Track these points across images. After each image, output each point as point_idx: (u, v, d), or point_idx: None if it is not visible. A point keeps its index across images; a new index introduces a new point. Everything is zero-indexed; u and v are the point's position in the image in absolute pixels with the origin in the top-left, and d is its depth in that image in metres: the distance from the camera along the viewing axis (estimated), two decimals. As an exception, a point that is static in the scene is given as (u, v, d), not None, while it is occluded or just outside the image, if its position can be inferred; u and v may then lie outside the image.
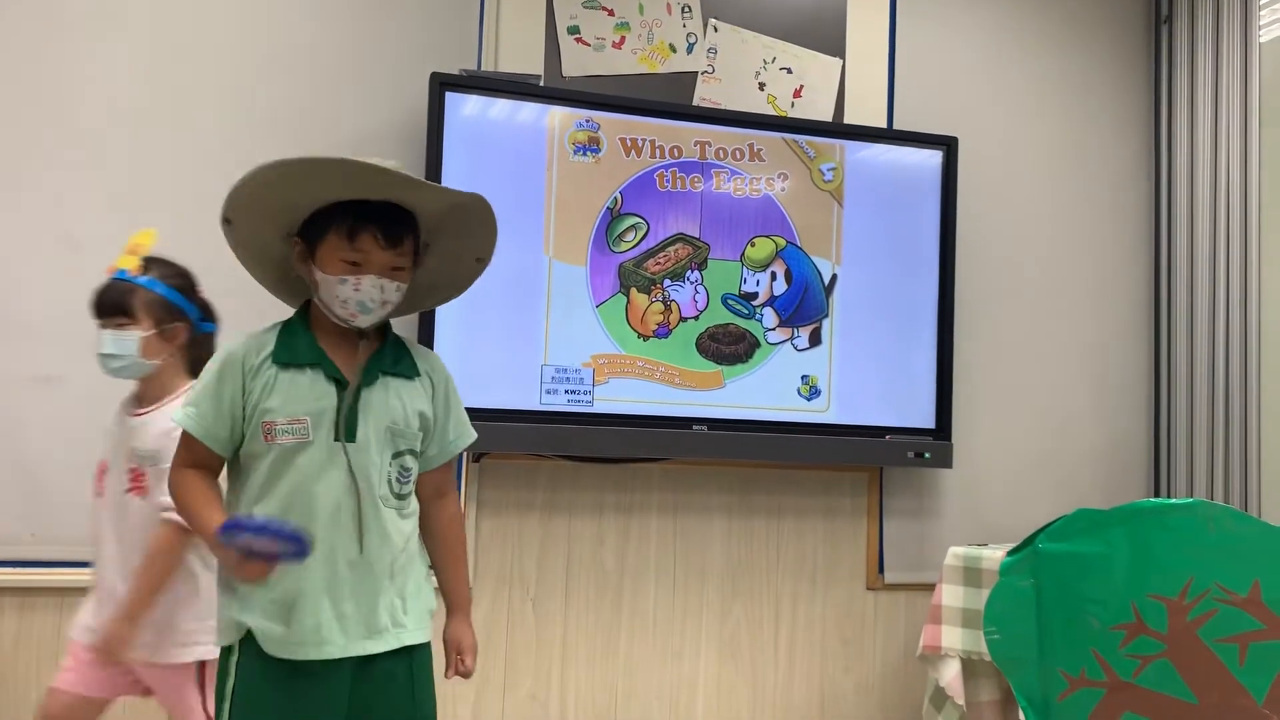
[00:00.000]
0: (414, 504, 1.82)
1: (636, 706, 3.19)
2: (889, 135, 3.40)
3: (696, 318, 3.19)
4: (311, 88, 3.04)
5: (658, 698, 3.22)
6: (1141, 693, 2.07)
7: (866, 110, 3.48)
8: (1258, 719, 1.95)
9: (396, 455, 1.77)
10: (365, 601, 1.71)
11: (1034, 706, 2.21)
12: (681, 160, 3.18)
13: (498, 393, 3.00)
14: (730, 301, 3.22)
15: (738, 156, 3.23)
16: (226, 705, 1.68)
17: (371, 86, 3.08)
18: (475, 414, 2.93)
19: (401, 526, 1.77)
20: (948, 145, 3.41)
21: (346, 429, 1.70)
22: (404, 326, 3.05)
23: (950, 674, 2.84)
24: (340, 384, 1.72)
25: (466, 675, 1.87)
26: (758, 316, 3.24)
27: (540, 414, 3.01)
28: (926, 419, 3.36)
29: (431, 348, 2.93)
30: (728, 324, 3.22)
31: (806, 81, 3.44)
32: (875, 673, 3.41)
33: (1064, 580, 2.16)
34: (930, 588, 3.15)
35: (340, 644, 1.69)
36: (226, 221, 1.74)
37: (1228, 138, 3.50)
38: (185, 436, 1.71)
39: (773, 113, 3.38)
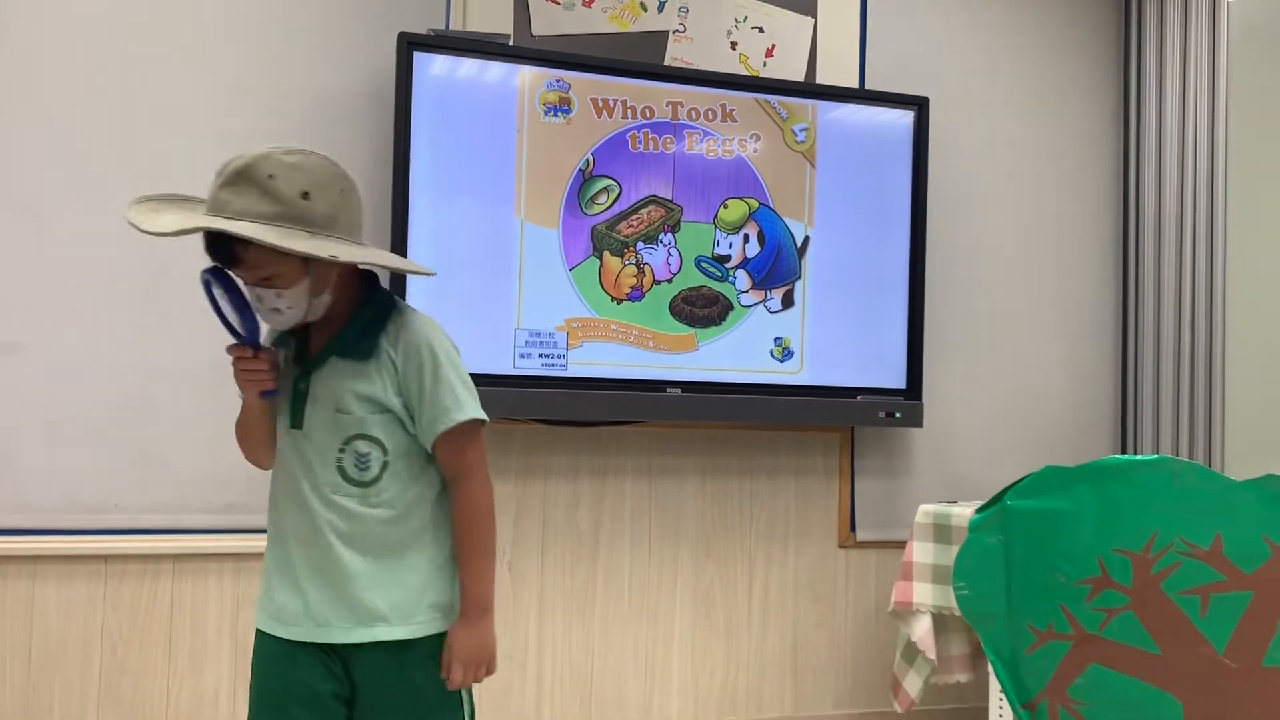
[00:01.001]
0: (390, 491, 1.70)
1: (612, 665, 3.23)
2: (861, 95, 3.39)
3: (670, 280, 3.19)
4: (277, 48, 2.99)
5: (633, 656, 3.25)
6: (1107, 645, 2.12)
7: (838, 70, 3.47)
8: (1217, 667, 2.01)
9: (349, 441, 1.69)
10: (331, 590, 1.68)
11: (1002, 660, 2.26)
12: (654, 121, 3.17)
13: (471, 357, 2.94)
14: (703, 264, 3.22)
15: (710, 117, 3.22)
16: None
17: (338, 46, 3.04)
18: (448, 378, 2.93)
19: (365, 515, 1.68)
20: (919, 106, 3.41)
21: (293, 415, 1.71)
22: (375, 291, 3.04)
23: (921, 629, 2.89)
24: (302, 368, 1.72)
25: (451, 687, 1.69)
26: (731, 279, 3.25)
27: (514, 378, 3.01)
28: (897, 379, 3.38)
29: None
30: (701, 287, 3.22)
31: (778, 41, 3.42)
32: (847, 629, 3.47)
33: (1032, 536, 2.20)
34: (901, 545, 3.20)
35: (304, 628, 1.68)
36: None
37: (1195, 100, 3.52)
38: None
39: (745, 72, 3.36)
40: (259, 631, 1.73)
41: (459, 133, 3.00)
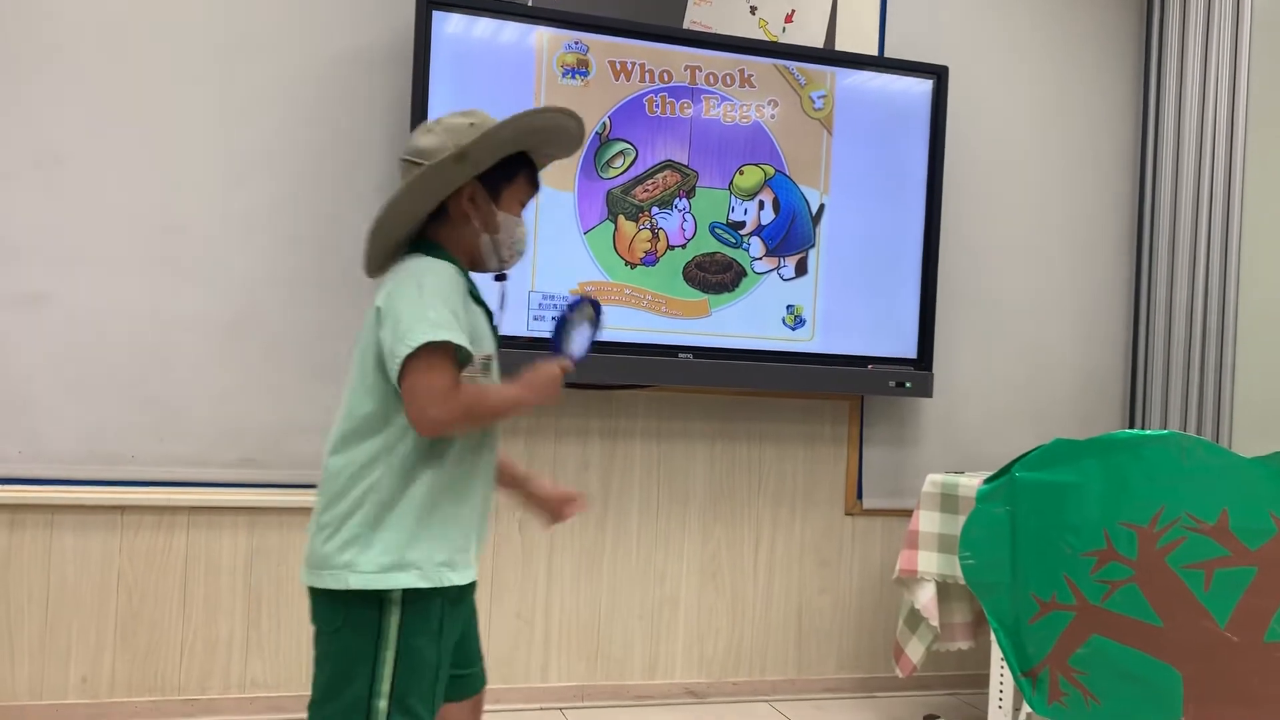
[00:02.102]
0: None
1: (619, 625, 3.27)
2: (880, 63, 3.37)
3: (684, 246, 3.19)
4: (297, 5, 2.98)
5: (640, 617, 3.29)
6: (1109, 616, 2.15)
7: (858, 37, 3.45)
8: (1219, 641, 2.03)
9: None
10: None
11: (1005, 628, 2.28)
12: (671, 85, 3.16)
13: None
14: (718, 230, 3.22)
15: (728, 82, 3.21)
16: None
17: (357, 5, 3.03)
18: (462, 338, 2.95)
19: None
20: (938, 75, 3.39)
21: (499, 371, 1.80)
22: (390, 250, 3.04)
23: (925, 597, 2.92)
24: (491, 324, 1.78)
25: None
26: (745, 246, 3.25)
27: (527, 340, 3.02)
28: (909, 349, 3.39)
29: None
30: (715, 253, 3.22)
31: (798, 6, 3.39)
32: (851, 594, 3.50)
33: (1039, 508, 2.21)
34: (907, 514, 3.22)
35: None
36: (459, 159, 1.65)
37: (1216, 76, 3.49)
38: (442, 353, 1.58)
39: (764, 38, 3.34)
40: (457, 587, 1.69)
41: (476, 92, 2.99)
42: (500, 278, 1.82)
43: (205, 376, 2.93)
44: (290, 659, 2.99)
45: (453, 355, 1.61)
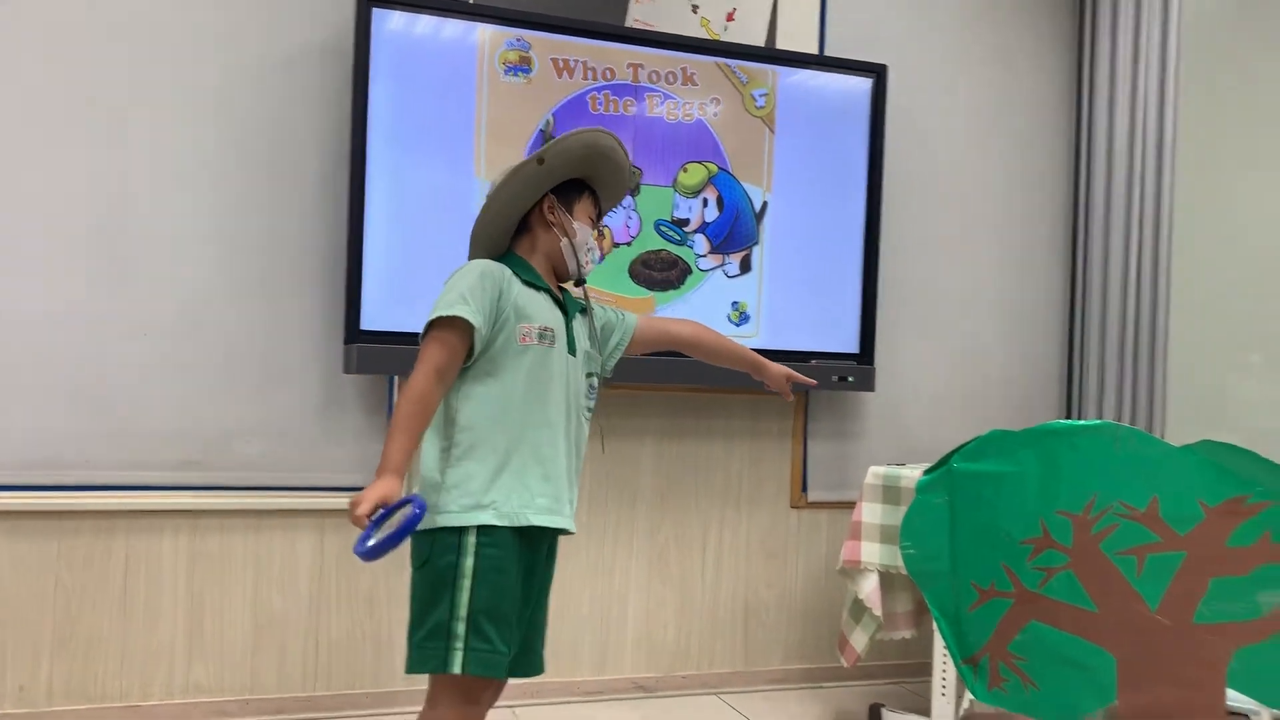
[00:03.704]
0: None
1: (569, 621, 3.27)
2: (820, 62, 3.41)
3: (629, 244, 3.20)
4: (236, 5, 2.94)
5: (588, 613, 3.30)
6: (1046, 602, 2.20)
7: (799, 36, 3.48)
8: (1151, 624, 2.09)
9: None
10: None
11: (946, 616, 2.33)
12: (614, 83, 3.16)
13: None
14: (662, 227, 3.24)
15: (670, 80, 3.23)
16: None
17: (297, 3, 2.99)
18: (407, 339, 2.94)
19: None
20: (878, 74, 3.44)
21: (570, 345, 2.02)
22: (334, 251, 3.03)
23: (868, 587, 2.96)
24: (564, 311, 2.03)
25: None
26: (689, 243, 3.27)
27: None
28: (851, 344, 3.44)
29: (359, 272, 2.92)
30: (660, 250, 3.24)
31: (739, 4, 3.42)
32: (797, 586, 3.54)
33: (977, 497, 2.26)
34: (851, 506, 3.27)
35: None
36: (540, 161, 1.96)
37: (1147, 73, 3.58)
38: (449, 331, 1.85)
39: (706, 36, 3.36)
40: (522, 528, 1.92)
41: (418, 90, 2.98)
42: (579, 283, 2.08)
43: (146, 379, 2.88)
44: (234, 662, 2.96)
45: (456, 331, 1.86)
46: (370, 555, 1.70)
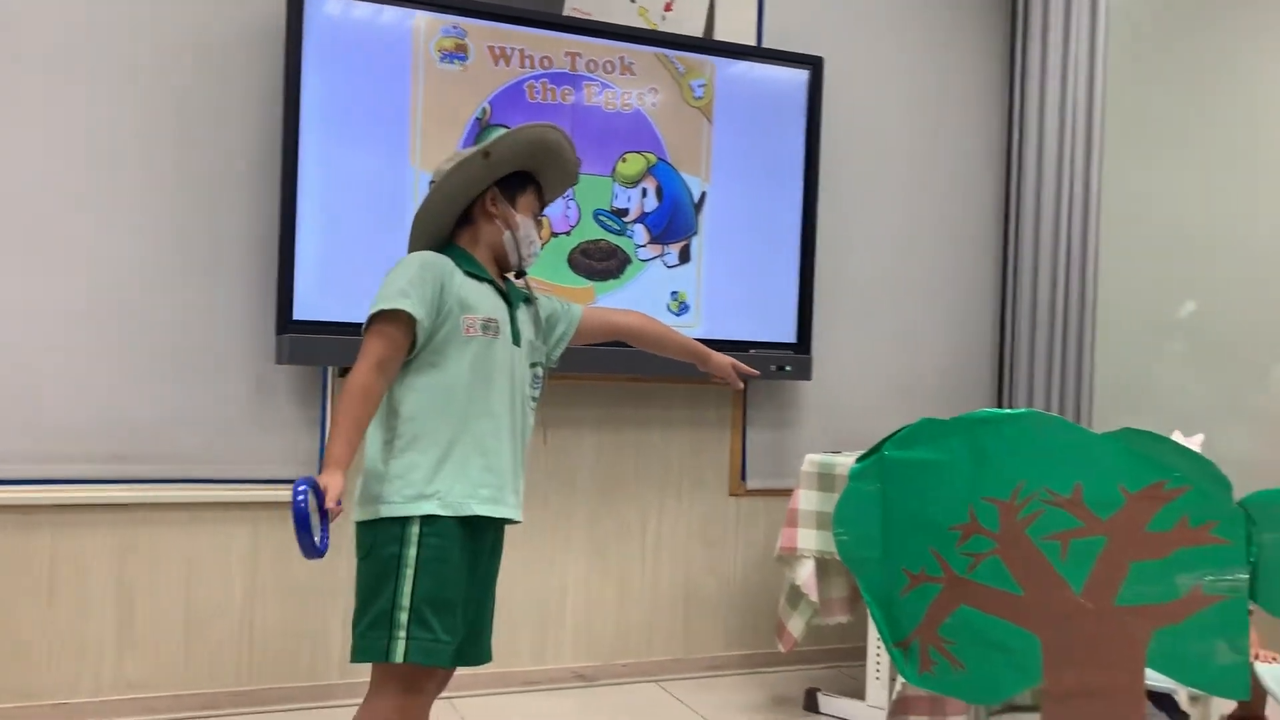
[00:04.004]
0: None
1: (508, 613, 3.26)
2: (757, 53, 3.43)
3: (568, 233, 3.20)
4: (160, -18, 2.88)
5: (526, 606, 3.30)
6: (975, 587, 2.24)
7: (736, 27, 3.50)
8: (1075, 607, 2.14)
9: None
10: None
11: (878, 602, 2.36)
12: (552, 71, 3.15)
13: (363, 306, 2.95)
14: (601, 217, 3.24)
15: (608, 70, 3.22)
16: None
17: (226, -17, 2.94)
18: (340, 329, 2.91)
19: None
20: (814, 65, 3.46)
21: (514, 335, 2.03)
22: (265, 239, 2.98)
23: (805, 573, 3.00)
24: (507, 301, 2.03)
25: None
26: (629, 233, 3.27)
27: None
28: (788, 334, 3.47)
29: (291, 260, 2.88)
30: (599, 240, 3.24)
31: (678, -5, 3.43)
32: (736, 574, 3.58)
33: (908, 485, 2.30)
34: (789, 493, 3.30)
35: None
36: (485, 155, 1.96)
37: (1075, 67, 3.66)
38: (390, 324, 1.86)
39: (644, 26, 3.36)
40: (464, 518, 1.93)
41: (352, 77, 2.94)
42: (520, 275, 2.09)
43: (72, 370, 2.81)
44: (166, 657, 2.91)
45: (398, 324, 1.86)
46: (324, 550, 1.72)
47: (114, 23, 2.83)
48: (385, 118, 2.98)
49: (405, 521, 1.87)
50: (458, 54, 3.05)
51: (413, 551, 1.86)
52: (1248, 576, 2.00)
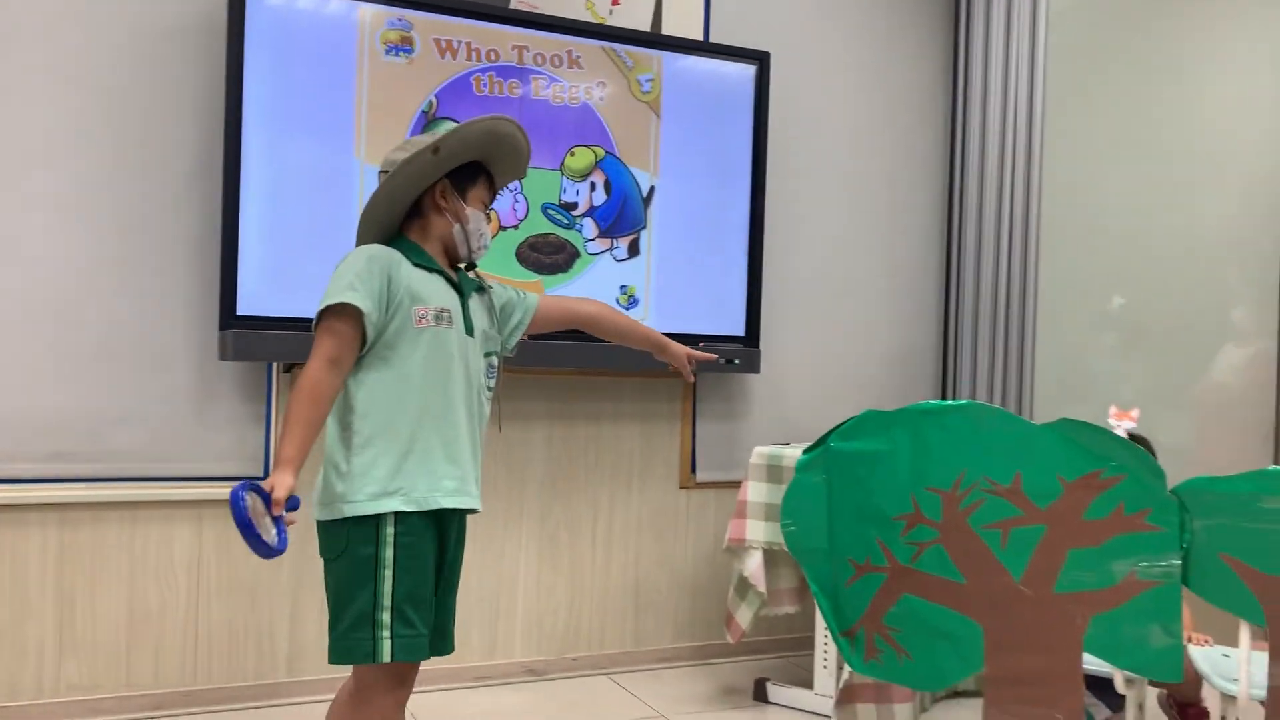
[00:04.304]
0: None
1: (459, 608, 3.25)
2: (705, 48, 3.44)
3: (516, 227, 3.19)
4: (96, -29, 2.82)
5: (478, 600, 3.29)
6: (918, 575, 2.28)
7: (684, 21, 3.51)
8: (1015, 595, 2.19)
9: None
10: None
11: (824, 591, 2.40)
12: (499, 64, 3.14)
13: (309, 301, 2.92)
14: (550, 211, 3.23)
15: (556, 63, 3.22)
16: None
17: (165, -27, 2.89)
18: (284, 324, 2.89)
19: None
20: (761, 61, 3.49)
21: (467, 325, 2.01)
22: (208, 233, 2.94)
23: (753, 564, 3.03)
24: (459, 291, 2.01)
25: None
26: (578, 227, 3.27)
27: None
28: (737, 327, 3.49)
29: (234, 255, 2.84)
30: (548, 234, 3.23)
31: (625, -11, 3.43)
32: (686, 566, 3.60)
33: (853, 475, 2.33)
34: (738, 485, 3.33)
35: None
36: (434, 150, 1.93)
37: (1017, 65, 3.72)
38: (340, 320, 1.84)
39: (591, 19, 3.36)
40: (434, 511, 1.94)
41: (295, 69, 2.90)
42: (470, 267, 2.07)
43: (9, 367, 2.75)
44: (108, 658, 2.86)
45: (347, 319, 1.85)
46: (282, 549, 1.72)
47: (49, 15, 2.77)
48: (330, 111, 2.95)
49: (377, 520, 1.86)
50: (403, 46, 3.02)
51: (389, 552, 1.86)
52: (1180, 562, 2.06)
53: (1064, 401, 3.70)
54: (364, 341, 1.89)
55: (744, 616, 3.08)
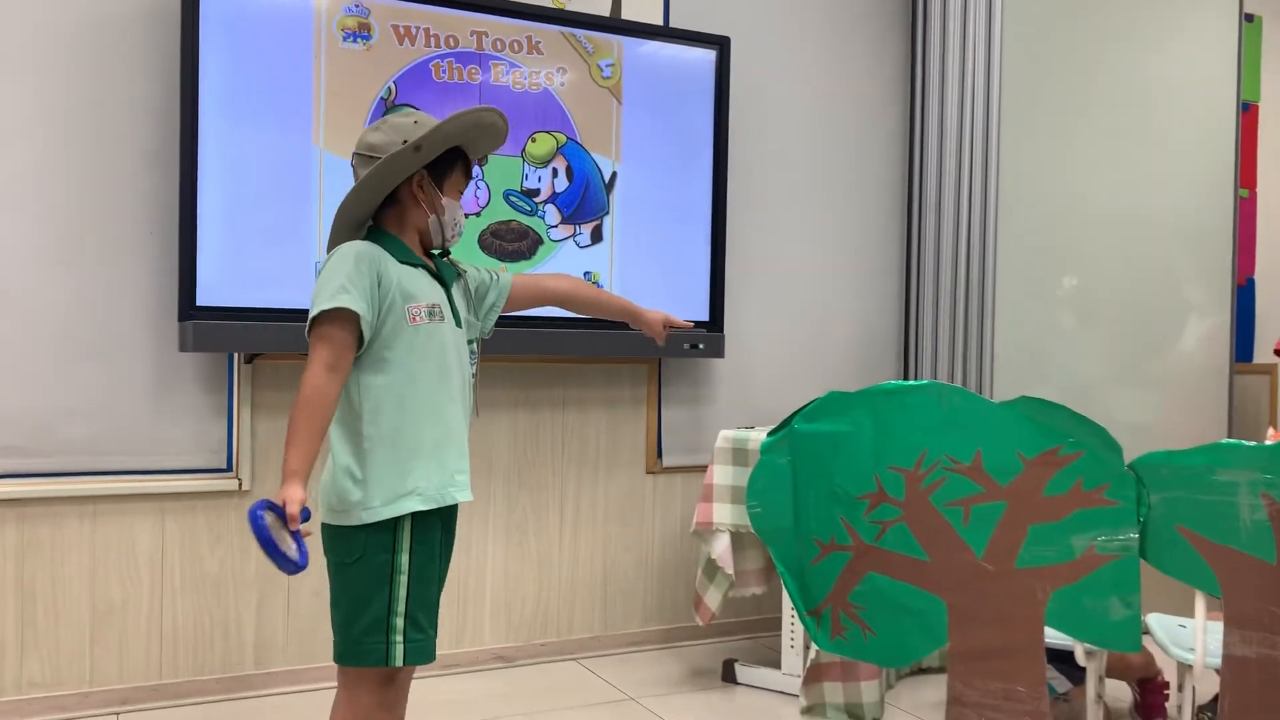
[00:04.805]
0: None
1: (425, 597, 3.25)
2: (664, 33, 3.44)
3: (478, 214, 3.18)
4: (44, -43, 2.77)
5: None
6: (882, 554, 2.31)
7: (644, 6, 3.50)
8: (977, 571, 2.22)
9: None
10: None
11: (791, 571, 2.42)
12: (458, 50, 3.12)
13: (269, 291, 2.91)
14: (512, 198, 3.22)
15: (515, 49, 3.20)
16: None
17: (115, -41, 2.84)
18: (246, 314, 2.86)
19: None
20: (721, 45, 3.49)
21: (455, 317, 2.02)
22: (166, 222, 2.90)
23: (720, 547, 3.05)
24: (442, 284, 2.02)
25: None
26: (540, 213, 3.27)
27: (317, 312, 2.94)
28: (701, 312, 3.51)
29: (193, 244, 2.81)
30: (510, 221, 3.22)
31: (585, -26, 3.41)
32: (654, 550, 3.61)
33: (816, 456, 2.35)
34: (704, 469, 3.34)
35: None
36: (416, 149, 1.90)
37: (974, 50, 3.75)
38: (334, 325, 1.82)
39: (551, 5, 3.35)
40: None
41: (252, 56, 2.87)
42: (445, 254, 2.08)
43: (-43, 361, 2.71)
44: (71, 654, 2.83)
45: (341, 323, 1.83)
46: (304, 564, 1.75)
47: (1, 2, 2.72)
48: (287, 98, 2.91)
49: (395, 526, 1.88)
50: (361, 33, 3.00)
51: (405, 559, 1.89)
52: (1138, 536, 2.10)
53: (1024, 381, 3.75)
54: (360, 343, 1.87)
55: (713, 599, 3.10)
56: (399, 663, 1.88)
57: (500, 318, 2.25)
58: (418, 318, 1.91)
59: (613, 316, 2.40)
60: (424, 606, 1.93)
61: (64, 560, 2.82)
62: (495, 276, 2.20)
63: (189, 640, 2.96)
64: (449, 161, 2.01)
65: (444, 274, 2.04)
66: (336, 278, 1.83)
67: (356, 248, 1.89)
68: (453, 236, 2.05)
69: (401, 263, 1.93)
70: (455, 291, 2.05)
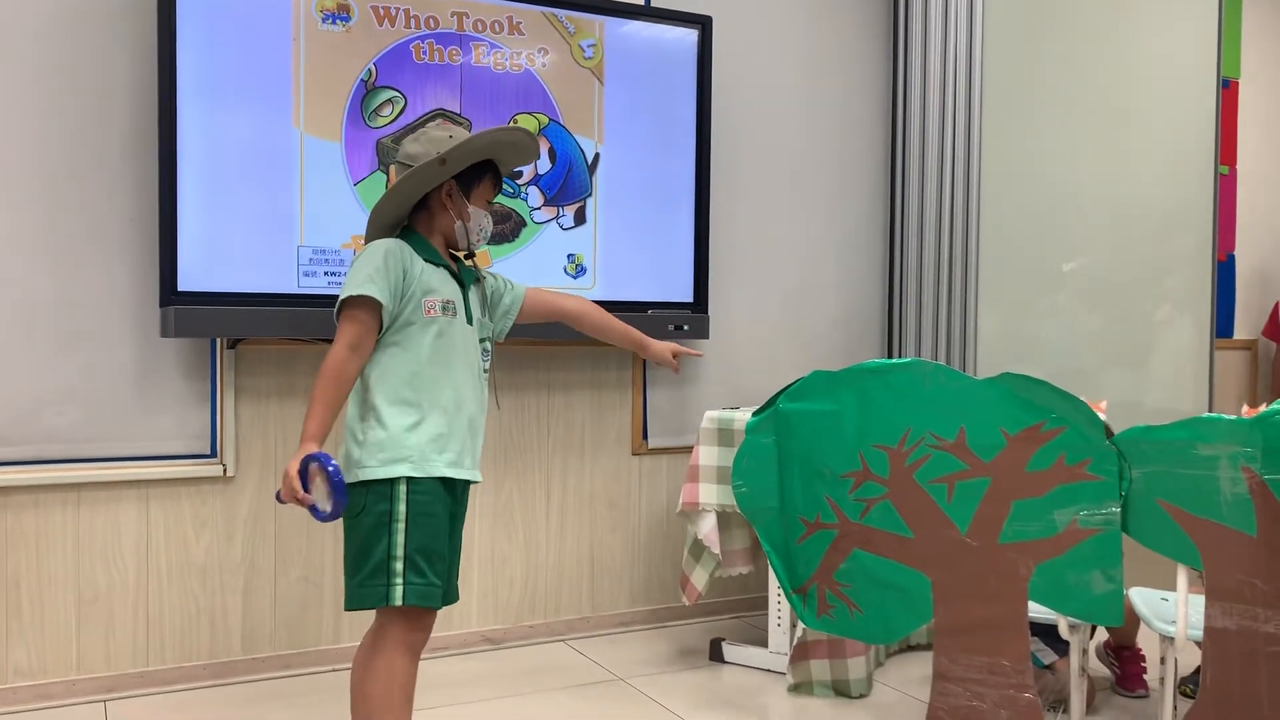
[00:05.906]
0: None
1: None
2: (647, 13, 3.43)
3: (459, 196, 3.16)
4: (17, -61, 2.73)
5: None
6: (867, 531, 2.33)
7: (625, -15, 3.49)
8: (961, 547, 2.24)
9: None
10: None
11: (777, 550, 2.44)
12: (438, 31, 3.10)
13: (251, 276, 2.89)
14: (493, 179, 3.20)
15: (496, 29, 3.18)
16: None
17: (89, -60, 2.80)
18: (227, 299, 2.85)
19: None
20: (703, 25, 3.48)
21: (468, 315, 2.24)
22: (146, 208, 2.88)
23: (707, 527, 3.06)
24: (460, 284, 2.24)
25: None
26: (523, 196, 3.25)
27: (299, 297, 2.93)
28: (685, 293, 3.50)
29: (174, 229, 2.79)
30: (493, 203, 3.20)
31: (565, -47, 3.39)
32: (640, 531, 3.62)
33: (801, 435, 2.36)
34: (689, 450, 3.35)
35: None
36: (442, 162, 2.13)
37: (956, 29, 3.75)
38: (359, 309, 2.06)
39: (531, -15, 3.32)
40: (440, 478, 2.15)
41: (230, 39, 2.84)
42: (469, 256, 2.31)
43: (-64, 349, 2.68)
44: (57, 642, 2.82)
45: (366, 308, 2.07)
46: (335, 514, 1.98)
47: (-32, -18, 2.68)
48: (267, 82, 2.89)
49: (392, 483, 2.08)
50: (340, 15, 2.97)
51: (402, 508, 2.08)
52: (1120, 510, 2.12)
53: (1006, 359, 3.77)
54: (380, 328, 2.11)
55: (699, 579, 3.11)
56: (399, 602, 2.05)
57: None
58: (432, 310, 2.14)
59: (620, 343, 2.57)
60: (426, 555, 2.09)
61: (48, 548, 2.81)
62: (510, 285, 2.42)
63: (176, 627, 2.96)
64: (479, 173, 2.24)
65: (464, 275, 2.26)
66: (366, 269, 2.07)
67: (386, 244, 2.12)
68: (477, 241, 2.26)
69: (426, 261, 2.17)
70: (472, 292, 2.27)
